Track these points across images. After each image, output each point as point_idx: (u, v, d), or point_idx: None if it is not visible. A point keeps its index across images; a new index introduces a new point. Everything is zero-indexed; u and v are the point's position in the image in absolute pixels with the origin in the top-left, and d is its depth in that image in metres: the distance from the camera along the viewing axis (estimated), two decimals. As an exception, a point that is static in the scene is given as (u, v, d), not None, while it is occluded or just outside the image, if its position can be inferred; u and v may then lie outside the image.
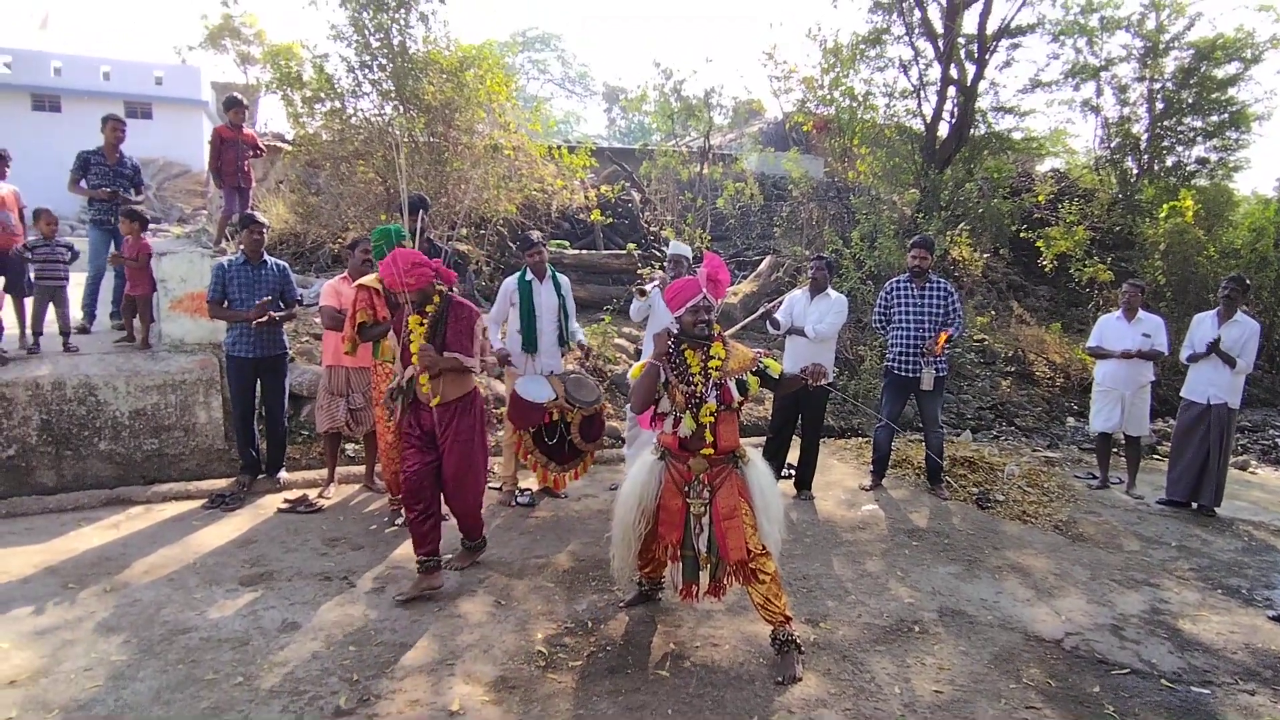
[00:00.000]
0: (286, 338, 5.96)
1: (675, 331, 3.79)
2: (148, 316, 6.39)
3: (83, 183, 6.80)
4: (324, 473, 5.99)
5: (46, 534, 4.86)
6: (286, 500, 5.56)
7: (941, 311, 6.26)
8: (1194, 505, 6.48)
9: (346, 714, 3.13)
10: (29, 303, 6.30)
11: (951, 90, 12.30)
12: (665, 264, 6.60)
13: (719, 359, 3.63)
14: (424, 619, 3.96)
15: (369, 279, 5.00)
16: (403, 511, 5.28)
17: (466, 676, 3.44)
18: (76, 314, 6.80)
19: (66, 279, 6.37)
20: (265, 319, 5.46)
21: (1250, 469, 8.63)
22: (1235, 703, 3.55)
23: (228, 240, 8.41)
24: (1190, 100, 13.31)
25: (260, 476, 5.90)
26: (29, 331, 6.20)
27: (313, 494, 5.69)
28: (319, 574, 4.43)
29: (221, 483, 5.85)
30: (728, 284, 3.90)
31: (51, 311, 6.26)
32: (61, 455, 5.69)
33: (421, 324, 4.09)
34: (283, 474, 5.97)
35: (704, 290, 3.64)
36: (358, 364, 5.49)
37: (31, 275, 6.30)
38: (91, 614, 3.86)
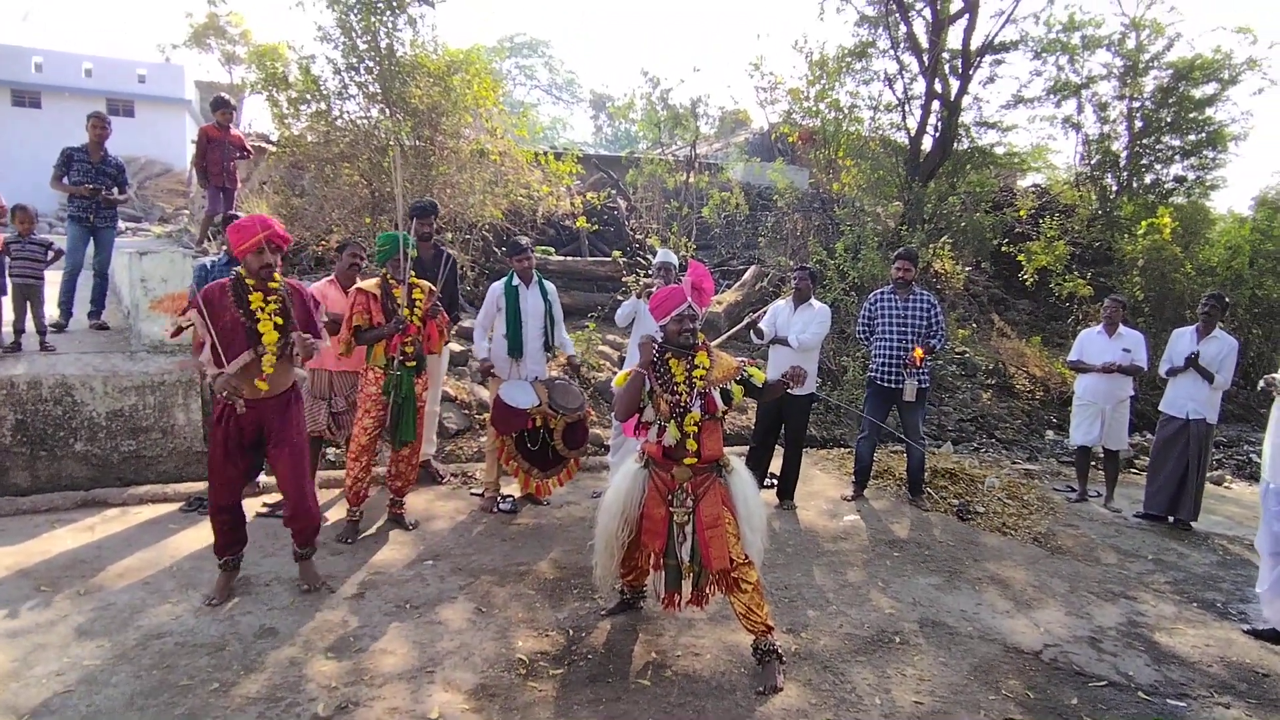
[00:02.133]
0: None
1: (660, 340, 3.80)
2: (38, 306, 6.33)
3: (65, 179, 6.71)
4: (304, 477, 5.93)
5: (19, 535, 4.77)
6: (265, 504, 5.48)
7: (924, 323, 6.31)
8: (1171, 519, 6.56)
9: (324, 721, 3.10)
10: (6, 301, 6.21)
11: (936, 104, 12.43)
12: (651, 272, 6.60)
13: (703, 368, 3.64)
14: (404, 626, 3.92)
15: (369, 284, 4.97)
16: (351, 528, 5.10)
17: (446, 684, 3.42)
18: (53, 312, 6.70)
19: (42, 277, 6.28)
20: None
21: (1225, 484, 8.74)
22: (1210, 716, 3.59)
23: (210, 240, 8.34)
24: (1169, 119, 13.53)
25: (239, 480, 5.83)
26: (8, 329, 6.11)
27: (292, 498, 5.62)
28: (297, 579, 4.37)
29: (199, 485, 5.77)
30: (712, 293, 3.91)
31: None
32: (36, 456, 5.60)
33: (269, 302, 3.80)
34: (262, 478, 5.90)
35: (689, 299, 3.65)
36: (341, 367, 5.44)
37: (7, 273, 6.21)
38: (64, 617, 3.79)
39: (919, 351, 6.14)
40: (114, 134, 7.07)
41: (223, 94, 8.07)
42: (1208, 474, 7.24)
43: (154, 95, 25.96)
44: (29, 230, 6.29)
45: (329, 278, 5.74)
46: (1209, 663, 4.13)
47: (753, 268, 11.89)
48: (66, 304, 6.88)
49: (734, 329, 6.03)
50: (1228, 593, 5.19)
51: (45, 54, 25.24)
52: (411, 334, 4.94)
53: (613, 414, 5.97)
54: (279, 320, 3.81)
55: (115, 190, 6.90)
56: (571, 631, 3.97)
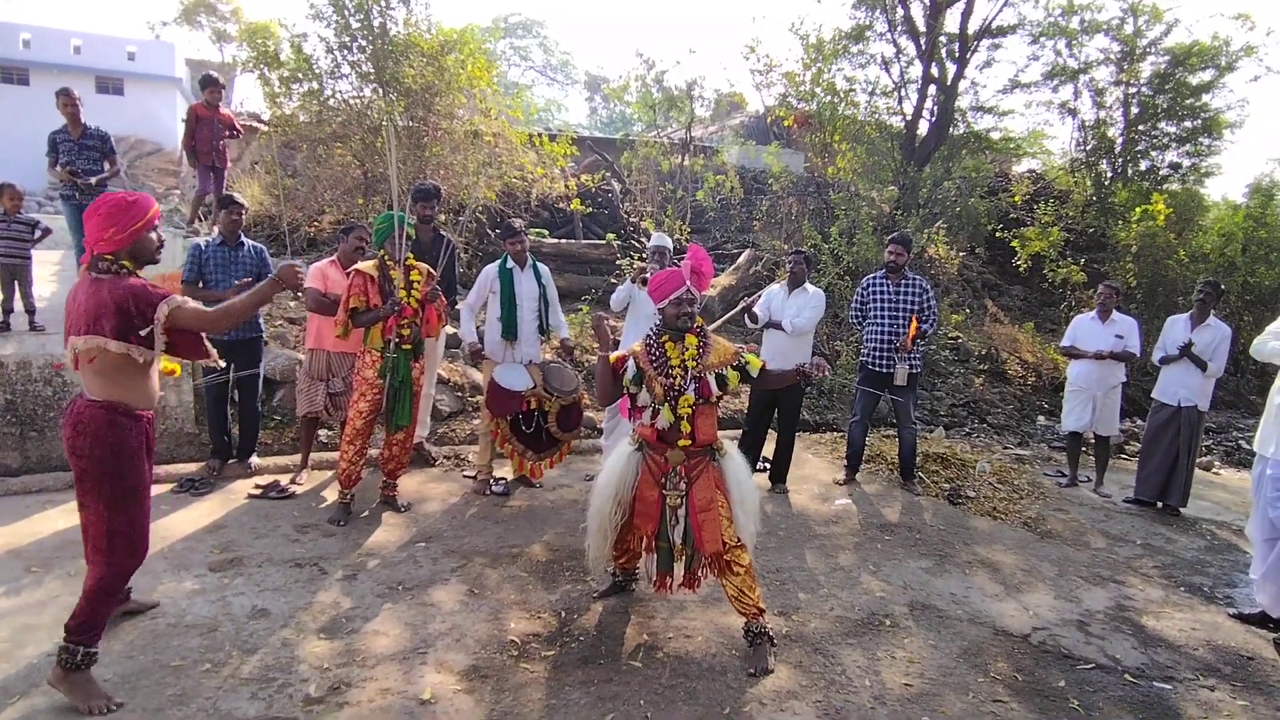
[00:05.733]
0: (262, 321, 5.87)
1: (658, 322, 3.79)
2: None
3: (58, 166, 6.74)
4: (296, 458, 5.92)
5: (9, 516, 4.75)
6: (258, 485, 5.48)
7: (917, 308, 6.31)
8: (1160, 504, 6.61)
9: (316, 702, 3.10)
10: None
11: (932, 89, 12.37)
12: (646, 255, 6.58)
13: (699, 351, 3.63)
14: (396, 607, 3.93)
15: (366, 264, 4.93)
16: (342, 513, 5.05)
17: (438, 665, 3.42)
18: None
19: (29, 256, 6.23)
20: None
21: (1214, 470, 8.81)
22: (1196, 698, 3.63)
23: (201, 220, 8.28)
24: (1165, 105, 13.49)
25: (231, 461, 5.81)
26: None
27: (284, 479, 5.62)
28: (290, 560, 4.38)
29: (191, 467, 5.76)
30: (711, 276, 3.90)
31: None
32: (26, 436, 5.58)
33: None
34: (254, 459, 5.88)
35: (688, 282, 3.63)
36: (339, 348, 5.42)
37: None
38: (55, 598, 3.78)
39: (913, 323, 6.14)
40: (104, 112, 7.05)
41: (211, 72, 7.99)
42: (1197, 460, 7.29)
43: (144, 73, 25.66)
44: (15, 209, 6.23)
45: (330, 258, 5.70)
46: (1195, 646, 4.17)
47: (747, 251, 11.87)
48: None
49: (728, 313, 6.02)
50: (1215, 577, 5.23)
51: (33, 30, 24.92)
52: (408, 316, 4.90)
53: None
54: None
55: (104, 164, 6.88)
56: (564, 613, 3.98)
